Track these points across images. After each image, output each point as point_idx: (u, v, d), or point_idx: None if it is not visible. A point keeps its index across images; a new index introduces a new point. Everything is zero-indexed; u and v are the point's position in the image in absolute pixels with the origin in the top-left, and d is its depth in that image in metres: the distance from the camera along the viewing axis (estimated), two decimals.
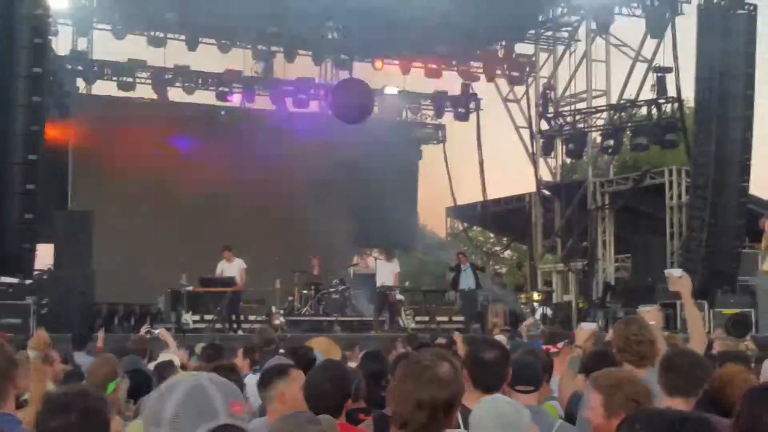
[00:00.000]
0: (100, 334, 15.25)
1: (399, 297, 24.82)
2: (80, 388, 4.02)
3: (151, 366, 9.62)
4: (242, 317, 23.00)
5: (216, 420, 2.63)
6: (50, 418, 3.48)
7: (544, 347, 10.39)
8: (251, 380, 7.96)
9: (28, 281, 20.77)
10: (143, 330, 14.44)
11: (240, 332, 21.46)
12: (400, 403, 3.34)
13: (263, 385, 5.97)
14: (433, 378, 3.31)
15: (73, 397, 3.57)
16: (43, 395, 4.03)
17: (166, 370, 8.56)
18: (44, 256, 22.55)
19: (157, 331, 13.14)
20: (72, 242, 22.68)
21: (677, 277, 7.18)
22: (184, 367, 9.47)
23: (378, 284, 24.21)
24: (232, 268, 22.59)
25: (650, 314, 7.69)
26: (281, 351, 9.03)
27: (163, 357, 9.84)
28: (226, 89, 31.58)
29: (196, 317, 22.55)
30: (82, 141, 29.04)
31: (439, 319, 25.23)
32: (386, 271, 24.56)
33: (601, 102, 31.08)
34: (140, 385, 7.58)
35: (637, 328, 6.43)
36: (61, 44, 28.94)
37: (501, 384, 5.40)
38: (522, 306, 28.41)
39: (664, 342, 7.16)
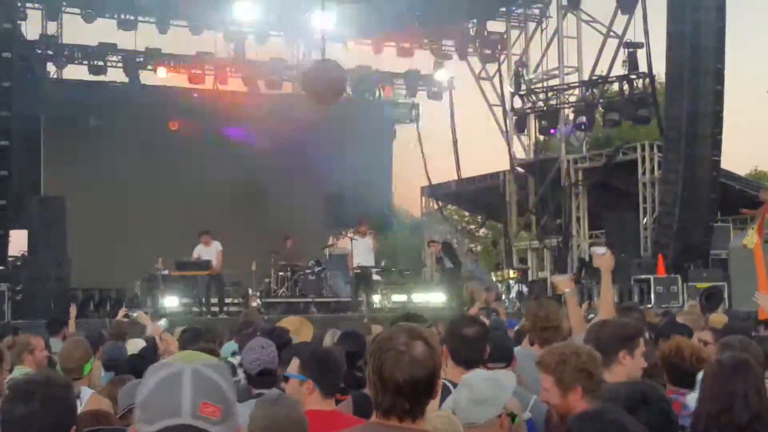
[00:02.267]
0: (72, 312, 14.86)
1: (376, 277, 24.81)
2: (45, 375, 3.97)
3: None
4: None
5: (176, 417, 2.34)
6: (14, 407, 3.48)
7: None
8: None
9: (1, 268, 20.62)
10: (121, 314, 14.39)
11: (223, 315, 21.47)
12: (380, 392, 3.28)
13: None
14: (410, 362, 3.25)
15: (35, 386, 3.55)
16: (8, 383, 4.02)
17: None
18: (18, 242, 22.39)
19: (135, 315, 13.13)
20: (45, 228, 22.47)
21: (600, 255, 7.48)
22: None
23: (354, 264, 24.15)
24: (209, 251, 22.53)
25: (563, 283, 8.03)
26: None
27: (133, 342, 9.76)
28: (198, 71, 31.42)
29: (173, 301, 22.52)
30: (54, 126, 28.89)
31: (416, 299, 25.25)
32: (362, 249, 24.46)
33: (573, 78, 31.09)
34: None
35: (544, 313, 6.73)
36: (30, 29, 28.77)
37: (481, 359, 5.47)
38: (497, 284, 28.50)
39: (579, 317, 7.42)
